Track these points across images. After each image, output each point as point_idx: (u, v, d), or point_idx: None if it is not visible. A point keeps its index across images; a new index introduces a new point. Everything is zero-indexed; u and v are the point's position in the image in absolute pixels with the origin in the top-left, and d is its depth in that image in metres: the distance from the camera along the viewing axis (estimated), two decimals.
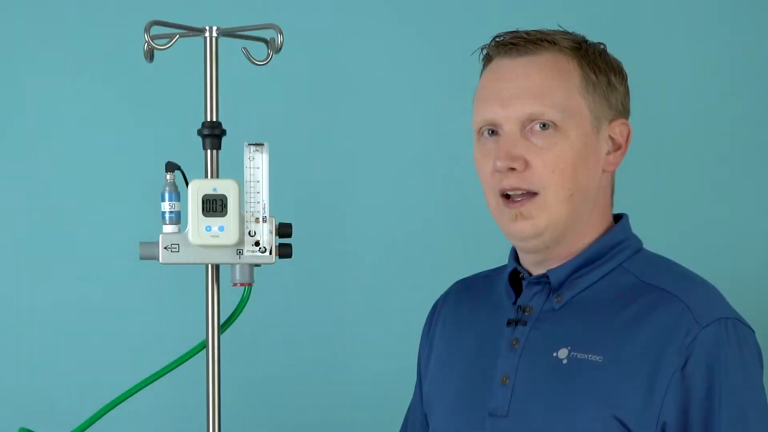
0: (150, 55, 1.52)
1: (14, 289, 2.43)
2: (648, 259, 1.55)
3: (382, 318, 2.52)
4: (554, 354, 1.48)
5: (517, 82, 1.49)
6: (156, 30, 1.50)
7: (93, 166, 2.44)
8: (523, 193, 1.48)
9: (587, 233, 1.52)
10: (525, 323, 1.52)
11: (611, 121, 1.52)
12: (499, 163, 1.47)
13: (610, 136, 1.52)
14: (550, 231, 1.49)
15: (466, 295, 1.68)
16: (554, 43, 1.50)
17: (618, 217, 1.58)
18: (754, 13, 2.52)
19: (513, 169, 1.47)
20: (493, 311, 1.59)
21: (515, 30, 1.53)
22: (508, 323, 1.54)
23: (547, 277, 1.52)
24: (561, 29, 1.55)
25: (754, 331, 1.49)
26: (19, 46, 2.43)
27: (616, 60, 1.57)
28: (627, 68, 1.58)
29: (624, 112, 1.55)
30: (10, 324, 2.43)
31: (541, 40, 1.50)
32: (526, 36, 1.51)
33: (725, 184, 2.53)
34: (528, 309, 1.53)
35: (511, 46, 1.51)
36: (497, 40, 1.53)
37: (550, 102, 1.47)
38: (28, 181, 2.44)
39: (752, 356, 1.47)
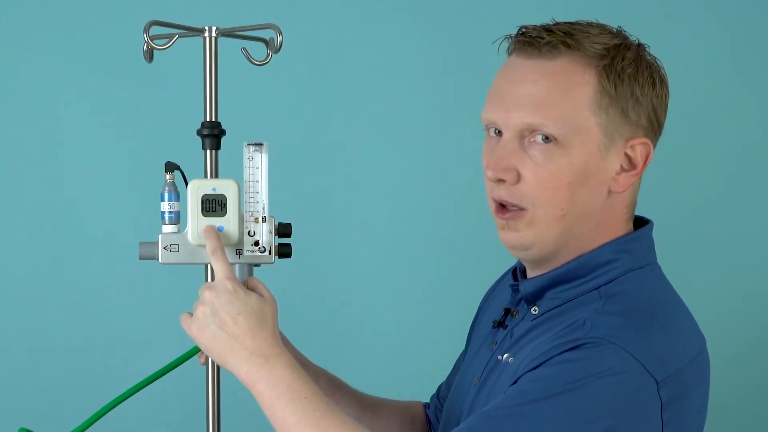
0: (150, 55, 1.52)
1: (14, 289, 2.44)
2: (627, 289, 1.39)
3: (382, 318, 2.52)
4: (499, 357, 1.44)
5: (524, 87, 1.38)
6: (155, 30, 1.50)
7: (92, 165, 2.45)
8: (514, 205, 1.39)
9: (579, 251, 1.41)
10: (506, 327, 1.48)
11: (629, 138, 1.39)
12: (489, 173, 1.39)
13: (626, 154, 1.39)
14: (538, 247, 1.40)
15: (499, 285, 1.64)
16: (577, 48, 1.37)
17: (642, 223, 1.46)
18: (755, 12, 2.53)
19: (503, 180, 1.38)
20: (497, 308, 1.57)
21: (543, 24, 1.40)
22: (493, 325, 1.51)
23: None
24: (597, 25, 1.41)
25: (623, 372, 1.30)
26: (18, 47, 2.44)
27: (654, 65, 1.42)
28: None
29: (650, 127, 1.40)
30: (10, 324, 2.43)
31: (564, 43, 1.36)
32: (546, 36, 1.37)
33: (727, 184, 2.53)
34: (515, 313, 1.48)
35: (527, 45, 1.38)
36: (520, 33, 1.41)
37: (553, 114, 1.36)
38: (27, 182, 2.44)
39: (577, 372, 1.30)
